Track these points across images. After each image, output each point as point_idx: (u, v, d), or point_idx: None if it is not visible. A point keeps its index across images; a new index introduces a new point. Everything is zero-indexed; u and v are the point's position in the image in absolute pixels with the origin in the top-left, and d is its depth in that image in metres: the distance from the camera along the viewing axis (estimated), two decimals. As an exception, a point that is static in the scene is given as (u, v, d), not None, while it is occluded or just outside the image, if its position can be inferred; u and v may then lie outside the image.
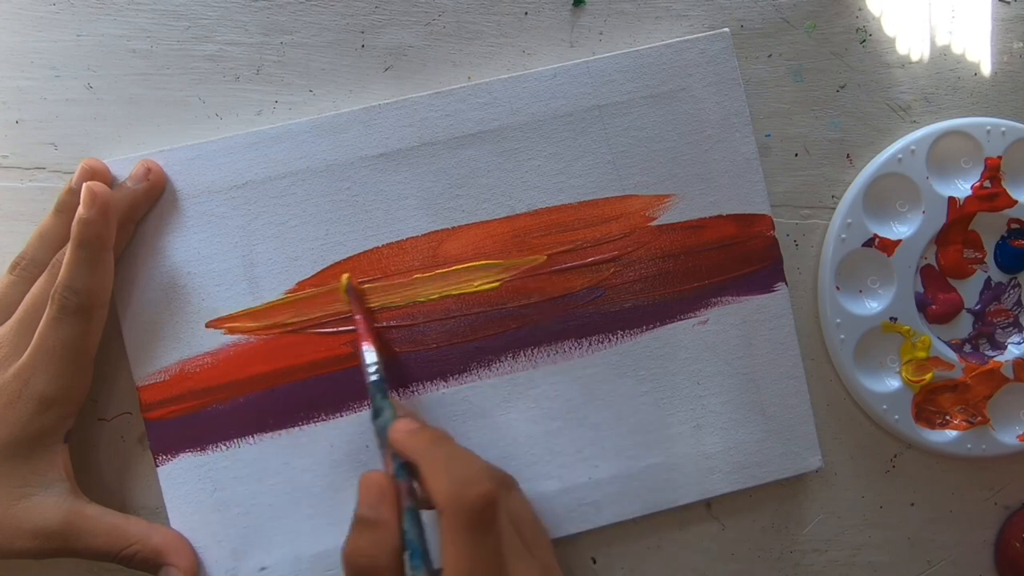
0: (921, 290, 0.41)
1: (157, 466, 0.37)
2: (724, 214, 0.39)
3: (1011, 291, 0.42)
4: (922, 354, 0.40)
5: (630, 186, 0.39)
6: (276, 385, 0.38)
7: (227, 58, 0.39)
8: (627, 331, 0.39)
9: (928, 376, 0.40)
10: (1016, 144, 0.40)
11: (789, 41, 0.41)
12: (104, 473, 0.38)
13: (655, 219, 0.39)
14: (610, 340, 0.39)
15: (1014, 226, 0.41)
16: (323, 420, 0.38)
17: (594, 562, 0.40)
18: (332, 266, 0.38)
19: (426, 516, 0.32)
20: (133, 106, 0.39)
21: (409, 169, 0.38)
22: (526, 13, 0.40)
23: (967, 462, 0.41)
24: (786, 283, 0.40)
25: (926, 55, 0.42)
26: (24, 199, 0.38)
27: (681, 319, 0.39)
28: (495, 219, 0.39)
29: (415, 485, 0.32)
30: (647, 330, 0.39)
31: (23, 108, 0.38)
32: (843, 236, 0.40)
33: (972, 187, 0.40)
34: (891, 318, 0.40)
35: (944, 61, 0.42)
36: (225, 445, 0.37)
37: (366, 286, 0.38)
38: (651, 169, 0.39)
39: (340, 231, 0.38)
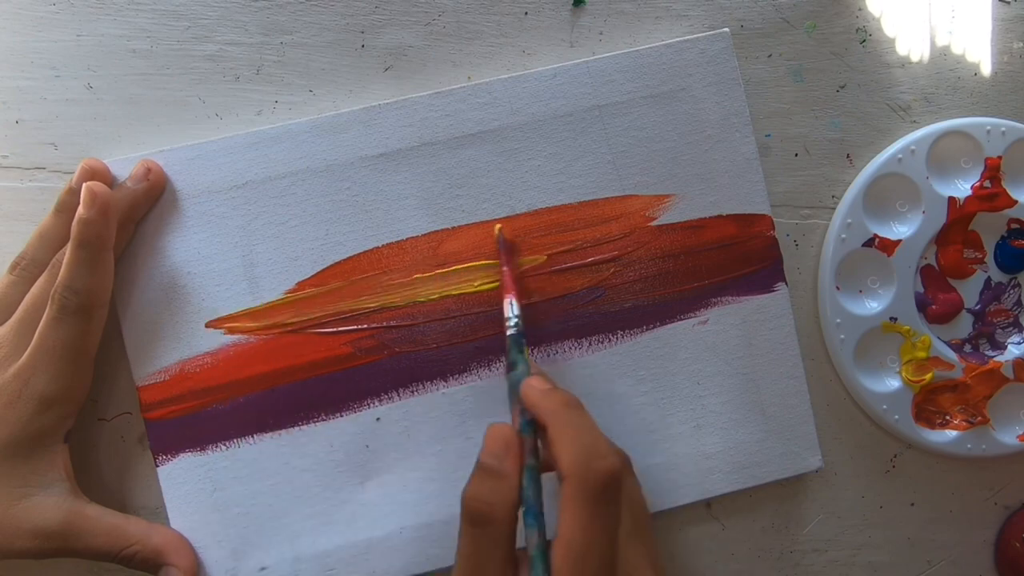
0: (921, 290, 0.41)
1: (157, 466, 0.37)
2: (724, 214, 0.39)
3: (1011, 291, 0.42)
4: (922, 354, 0.40)
5: (630, 186, 0.39)
6: (276, 385, 0.38)
7: (227, 58, 0.39)
8: (627, 331, 0.39)
9: (928, 376, 0.40)
10: (1016, 144, 0.40)
11: (789, 41, 0.41)
12: (104, 473, 0.38)
13: (655, 219, 0.39)
14: (610, 340, 0.39)
15: (1014, 226, 0.41)
16: (323, 420, 0.38)
17: (594, 562, 0.39)
18: (332, 266, 0.38)
19: (545, 481, 0.31)
20: (133, 106, 0.39)
21: (409, 169, 0.38)
22: (526, 13, 0.40)
23: (967, 462, 0.41)
24: (786, 283, 0.40)
25: (926, 55, 0.42)
26: (24, 199, 0.38)
27: (681, 319, 0.39)
28: (495, 219, 0.39)
29: (539, 444, 0.32)
30: (647, 330, 0.39)
31: (23, 108, 0.38)
32: (843, 236, 0.40)
33: (972, 187, 0.40)
34: (891, 318, 0.40)
35: (944, 61, 0.42)
36: (225, 445, 0.37)
37: (365, 284, 0.38)
38: (651, 169, 0.39)
39: (340, 231, 0.38)
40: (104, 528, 0.35)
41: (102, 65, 0.38)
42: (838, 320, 0.40)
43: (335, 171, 0.38)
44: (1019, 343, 0.41)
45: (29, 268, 0.36)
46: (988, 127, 0.40)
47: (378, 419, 0.38)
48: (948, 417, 0.41)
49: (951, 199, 0.40)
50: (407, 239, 0.38)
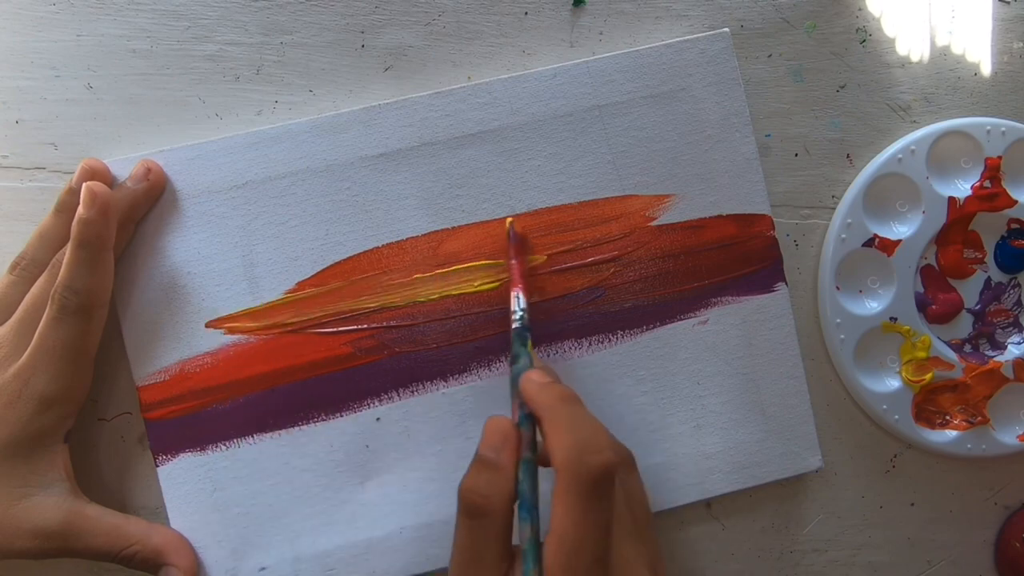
0: (921, 290, 0.41)
1: (157, 466, 0.37)
2: (724, 214, 0.39)
3: (1011, 291, 0.42)
4: (922, 354, 0.40)
5: (630, 186, 0.39)
6: (276, 385, 0.38)
7: (227, 58, 0.39)
8: (627, 331, 0.39)
9: (928, 376, 0.40)
10: (1016, 144, 0.40)
11: (789, 41, 0.41)
12: (104, 473, 0.38)
13: (655, 219, 0.39)
14: (610, 340, 0.39)
15: (1014, 226, 0.41)
16: (323, 420, 0.38)
17: (594, 562, 0.39)
18: (332, 266, 0.38)
19: (541, 473, 0.31)
20: (133, 106, 0.39)
21: (409, 169, 0.38)
22: (526, 13, 0.40)
23: (967, 462, 0.41)
24: (786, 283, 0.40)
25: (926, 55, 0.42)
26: (24, 199, 0.38)
27: (681, 319, 0.39)
28: (495, 219, 0.39)
29: (537, 438, 0.31)
30: (647, 330, 0.39)
31: (23, 108, 0.38)
32: (843, 236, 0.40)
33: (972, 187, 0.40)
34: (891, 318, 0.40)
35: (944, 61, 0.42)
36: (225, 445, 0.37)
37: (365, 284, 0.38)
38: (651, 169, 0.39)
39: (340, 231, 0.38)
40: (104, 528, 0.35)
41: (102, 65, 0.38)
42: (838, 320, 0.40)
43: (335, 171, 0.38)
44: (1019, 343, 0.41)
45: (29, 268, 0.36)
46: (988, 127, 0.40)
47: (378, 419, 0.38)
48: (948, 417, 0.41)
49: (951, 199, 0.40)
50: (407, 239, 0.38)
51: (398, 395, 0.38)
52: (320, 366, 0.38)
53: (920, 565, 0.41)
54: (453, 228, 0.39)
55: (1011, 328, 0.42)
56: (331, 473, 0.38)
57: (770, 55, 0.41)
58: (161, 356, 0.37)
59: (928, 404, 0.41)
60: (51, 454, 0.35)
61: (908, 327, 0.40)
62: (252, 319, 0.38)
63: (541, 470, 0.31)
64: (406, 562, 0.38)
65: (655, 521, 0.33)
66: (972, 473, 0.41)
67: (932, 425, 0.40)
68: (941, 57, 0.42)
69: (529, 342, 0.34)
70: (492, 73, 0.40)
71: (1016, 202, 0.40)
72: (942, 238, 0.41)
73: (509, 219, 0.38)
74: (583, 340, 0.39)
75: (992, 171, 0.40)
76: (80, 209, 0.34)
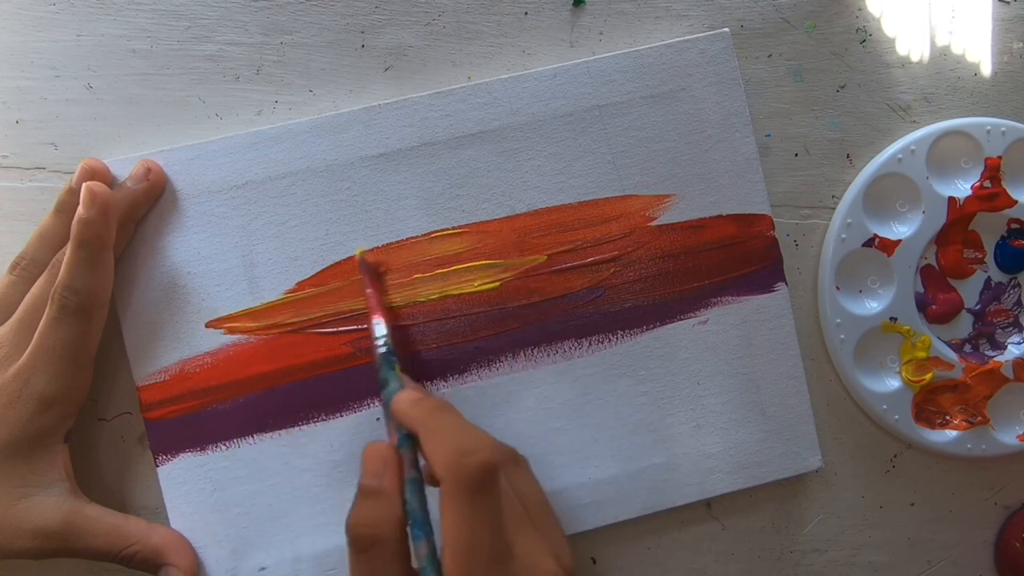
0: (921, 290, 0.41)
1: (157, 466, 0.37)
2: (724, 214, 0.39)
3: (1011, 291, 0.42)
4: (922, 354, 0.40)
5: (630, 186, 0.39)
6: (276, 385, 0.38)
7: (227, 58, 0.39)
8: (627, 331, 0.39)
9: (928, 376, 0.40)
10: (1016, 144, 0.40)
11: (789, 41, 0.41)
12: (104, 473, 0.38)
13: (655, 219, 0.39)
14: (610, 340, 0.39)
15: (1014, 226, 0.41)
16: (323, 420, 0.38)
17: (594, 562, 0.40)
18: (332, 266, 0.38)
19: (430, 492, 0.31)
20: (133, 106, 0.39)
21: (409, 169, 0.38)
22: (526, 13, 0.40)
23: (967, 462, 0.41)
24: (786, 283, 0.40)
25: (926, 55, 0.42)
26: (24, 199, 0.38)
27: (681, 319, 0.39)
28: (495, 219, 0.39)
29: (419, 457, 0.32)
30: (647, 330, 0.39)
31: (23, 108, 0.38)
32: (843, 236, 0.40)
33: (972, 187, 0.40)
34: (891, 318, 0.40)
35: (944, 61, 0.42)
36: (225, 445, 0.37)
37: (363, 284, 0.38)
38: (651, 169, 0.39)
39: (340, 231, 0.38)
40: (104, 528, 0.35)
41: (102, 65, 0.38)
42: (838, 320, 0.40)
43: (335, 171, 0.38)
44: (1019, 343, 0.41)
45: (29, 268, 0.36)
46: (988, 127, 0.40)
47: (378, 419, 0.38)
48: (948, 417, 0.41)
49: (951, 199, 0.40)
50: (407, 239, 0.38)
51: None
52: (320, 366, 0.38)
53: (920, 565, 0.41)
54: (453, 228, 0.39)
55: (1011, 328, 0.42)
56: (331, 473, 0.38)
57: (770, 55, 0.41)
58: (161, 356, 0.37)
59: (928, 404, 0.41)
60: (51, 454, 0.35)
61: (908, 327, 0.40)
62: (252, 319, 0.38)
63: (431, 490, 0.31)
64: (406, 562, 0.38)
65: (557, 523, 0.33)
66: (972, 473, 0.41)
67: (932, 425, 0.40)
68: (941, 57, 0.42)
69: (397, 366, 0.34)
70: (492, 73, 0.40)
71: (1016, 202, 0.40)
72: (942, 238, 0.41)
73: (359, 250, 0.38)
74: (583, 340, 0.39)
75: (992, 171, 0.40)
76: (80, 209, 0.34)
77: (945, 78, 0.42)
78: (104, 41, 0.38)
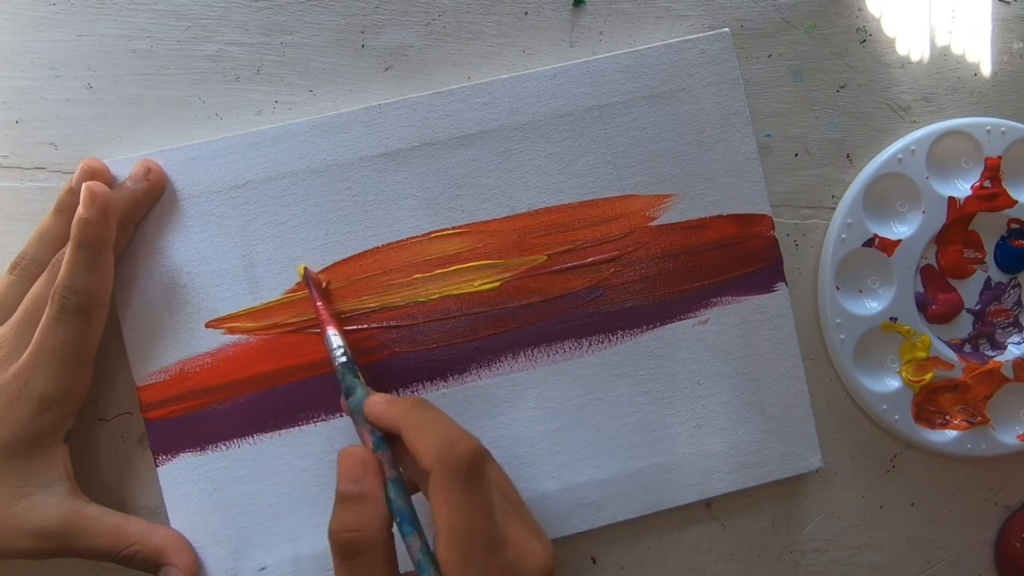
0: (921, 290, 0.41)
1: (157, 466, 0.37)
2: (724, 214, 0.39)
3: (1011, 291, 0.42)
4: (922, 354, 0.40)
5: (630, 186, 0.39)
6: (276, 385, 0.38)
7: (227, 58, 0.39)
8: (627, 331, 0.39)
9: (928, 376, 0.40)
10: (1016, 144, 0.40)
11: (789, 41, 0.41)
12: (104, 473, 0.38)
13: (655, 219, 0.39)
14: (610, 340, 0.39)
15: (1014, 226, 0.41)
16: (323, 420, 0.38)
17: (594, 562, 0.40)
18: (332, 266, 0.38)
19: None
20: (133, 106, 0.39)
21: (409, 169, 0.38)
22: (526, 13, 0.40)
23: (967, 462, 0.41)
24: (786, 283, 0.40)
25: (926, 55, 0.42)
26: (24, 199, 0.38)
27: (681, 319, 0.39)
28: (495, 219, 0.39)
29: (399, 458, 0.32)
30: (647, 330, 0.39)
31: (23, 108, 0.38)
32: (843, 236, 0.40)
33: (972, 187, 0.40)
34: (891, 318, 0.40)
35: (944, 61, 0.42)
36: (225, 445, 0.37)
37: (365, 284, 0.38)
38: (651, 169, 0.39)
39: (340, 231, 0.38)
40: (104, 528, 0.35)
41: (102, 65, 0.38)
42: (838, 320, 0.40)
43: (335, 171, 0.38)
44: (1019, 343, 0.41)
45: (29, 268, 0.36)
46: (988, 127, 0.40)
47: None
48: (948, 417, 0.41)
49: (951, 199, 0.40)
50: (407, 239, 0.38)
51: (397, 395, 0.38)
52: (320, 366, 0.38)
53: (920, 565, 0.41)
54: (453, 228, 0.39)
55: (1011, 328, 0.42)
56: (331, 473, 0.38)
57: (770, 55, 0.41)
58: (161, 356, 0.37)
59: (928, 404, 0.41)
60: (51, 454, 0.35)
61: (908, 327, 0.40)
62: (252, 319, 0.38)
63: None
64: (405, 561, 0.37)
65: (528, 511, 0.34)
66: (972, 473, 0.41)
67: (932, 425, 0.40)
68: (941, 57, 0.42)
69: (359, 372, 0.34)
70: (492, 73, 0.40)
71: (1016, 202, 0.40)
72: (942, 238, 0.41)
73: (302, 267, 0.38)
74: (583, 340, 0.39)
75: (992, 171, 0.40)
76: (80, 209, 0.34)
77: (945, 78, 0.42)
78: (104, 41, 0.38)
